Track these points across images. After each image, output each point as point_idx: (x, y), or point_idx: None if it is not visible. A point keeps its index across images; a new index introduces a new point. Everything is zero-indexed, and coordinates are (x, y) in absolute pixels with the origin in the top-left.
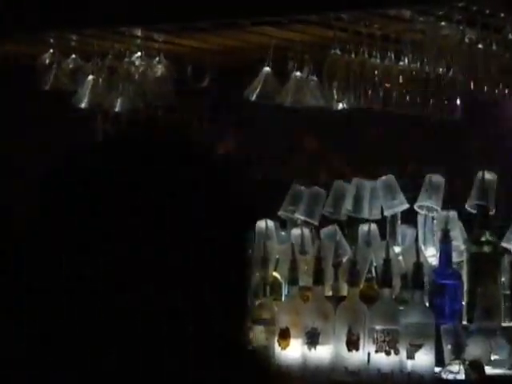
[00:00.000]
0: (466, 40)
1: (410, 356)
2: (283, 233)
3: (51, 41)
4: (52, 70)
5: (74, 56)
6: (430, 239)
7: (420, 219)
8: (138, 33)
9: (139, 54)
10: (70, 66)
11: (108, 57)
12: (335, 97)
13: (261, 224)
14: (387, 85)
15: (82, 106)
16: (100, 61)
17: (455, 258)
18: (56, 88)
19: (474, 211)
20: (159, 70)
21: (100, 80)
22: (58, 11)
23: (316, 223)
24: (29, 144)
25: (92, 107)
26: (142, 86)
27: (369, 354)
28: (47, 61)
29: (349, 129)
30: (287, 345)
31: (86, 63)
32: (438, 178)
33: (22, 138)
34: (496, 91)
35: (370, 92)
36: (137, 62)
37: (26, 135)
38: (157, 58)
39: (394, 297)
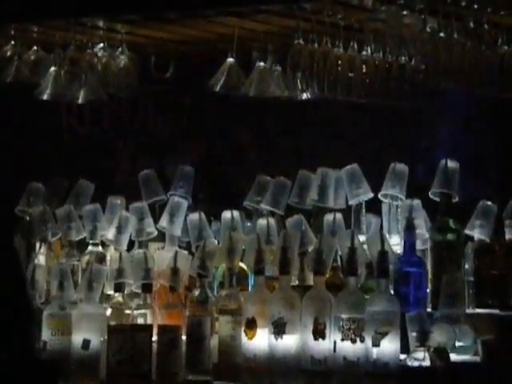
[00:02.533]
0: (428, 29)
1: (376, 344)
2: (249, 223)
3: (12, 32)
4: (13, 62)
5: (35, 48)
6: (395, 227)
7: (384, 208)
8: (101, 24)
9: (102, 44)
10: (32, 57)
11: (70, 48)
12: (299, 86)
13: (227, 215)
14: (350, 74)
15: (45, 97)
16: (62, 52)
17: (419, 245)
18: (18, 80)
19: (437, 199)
20: (122, 60)
21: (62, 71)
22: (18, 2)
23: (281, 213)
24: None
25: (54, 99)
26: (105, 77)
27: (335, 342)
28: (8, 53)
29: (312, 118)
30: (254, 335)
31: (47, 55)
32: (401, 167)
33: None
34: (458, 79)
35: (333, 81)
36: (99, 53)
37: None
38: (119, 49)
39: (359, 285)
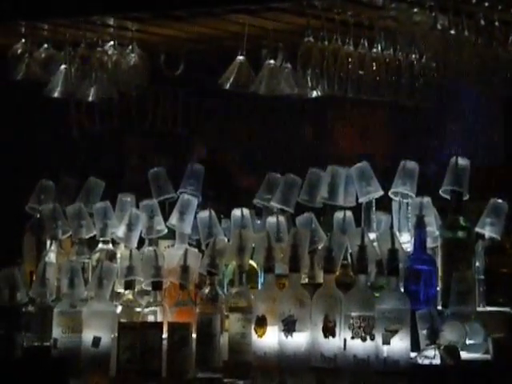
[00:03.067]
0: (439, 26)
1: (386, 341)
2: (259, 221)
3: (23, 30)
4: (24, 60)
5: (45, 45)
6: (405, 225)
7: (395, 206)
8: (111, 21)
9: (112, 42)
10: (42, 55)
11: (80, 46)
12: (309, 84)
13: (237, 212)
14: (361, 72)
15: (55, 95)
16: (72, 50)
17: (430, 243)
18: (28, 78)
19: (448, 197)
20: (132, 58)
21: (73, 69)
22: (28, 0)
23: (291, 211)
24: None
25: (65, 97)
26: (116, 75)
27: (345, 340)
28: (19, 51)
29: (322, 115)
30: (264, 332)
31: (58, 52)
32: (412, 165)
33: None
34: (468, 77)
35: (343, 79)
36: (110, 51)
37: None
38: (130, 47)
39: (369, 283)
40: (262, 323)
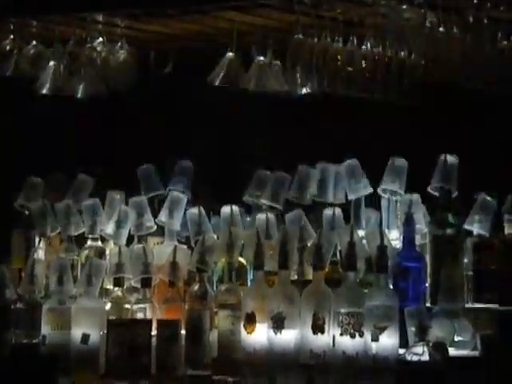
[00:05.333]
0: (427, 23)
1: (375, 338)
2: (248, 218)
3: (11, 27)
4: (13, 57)
5: (34, 42)
6: (394, 222)
7: (384, 203)
8: (100, 18)
9: (101, 39)
10: (31, 52)
11: (69, 42)
12: (298, 81)
13: (226, 209)
14: (350, 69)
15: (44, 92)
16: (61, 47)
17: (418, 240)
18: (17, 74)
19: (436, 194)
20: (121, 55)
21: (61, 66)
22: None
23: (281, 208)
24: None
25: (54, 93)
26: (104, 72)
27: (334, 336)
28: (8, 47)
29: (312, 113)
30: (253, 329)
31: (47, 49)
32: (401, 162)
33: None
34: (457, 74)
35: (332, 76)
36: (99, 48)
37: None
38: (119, 44)
39: (358, 280)
40: (251, 320)
